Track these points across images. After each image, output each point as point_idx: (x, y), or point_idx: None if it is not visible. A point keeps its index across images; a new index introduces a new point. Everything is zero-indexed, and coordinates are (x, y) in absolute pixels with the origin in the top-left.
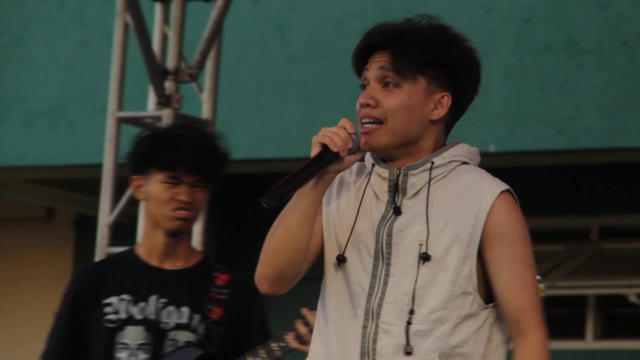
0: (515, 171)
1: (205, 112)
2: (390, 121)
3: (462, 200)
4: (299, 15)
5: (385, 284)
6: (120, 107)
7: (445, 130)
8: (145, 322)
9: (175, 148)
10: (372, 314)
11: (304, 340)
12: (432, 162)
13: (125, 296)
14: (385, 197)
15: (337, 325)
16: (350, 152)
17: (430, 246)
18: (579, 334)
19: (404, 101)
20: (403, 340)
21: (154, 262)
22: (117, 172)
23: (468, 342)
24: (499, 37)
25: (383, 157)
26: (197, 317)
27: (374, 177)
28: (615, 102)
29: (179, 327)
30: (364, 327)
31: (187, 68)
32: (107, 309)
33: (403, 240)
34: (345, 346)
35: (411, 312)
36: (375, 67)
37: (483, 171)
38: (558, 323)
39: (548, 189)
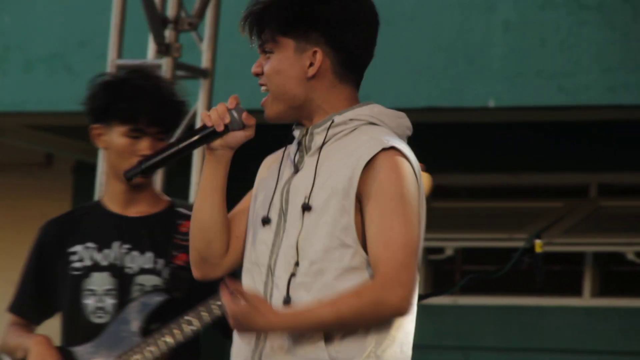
0: (514, 127)
1: (204, 61)
2: (270, 87)
3: (347, 157)
4: None
5: (282, 239)
6: (120, 55)
7: (340, 81)
8: (110, 268)
9: (137, 100)
10: (269, 270)
11: None
12: (332, 120)
13: (89, 244)
14: (296, 158)
15: (252, 282)
16: (233, 127)
17: (313, 198)
18: (576, 291)
19: (276, 65)
20: (285, 293)
21: (116, 210)
22: None
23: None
24: None
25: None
26: (161, 262)
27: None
28: (616, 59)
29: (143, 271)
30: (265, 284)
31: (187, 17)
32: (73, 257)
33: (296, 195)
34: None
35: (297, 264)
36: (256, 40)
37: (387, 133)
38: (555, 280)
39: (547, 145)
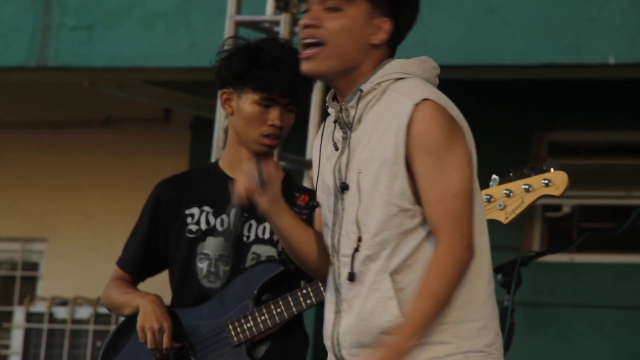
0: (634, 84)
1: None
2: (331, 43)
3: (385, 121)
4: None
5: (342, 218)
6: (238, 11)
7: (387, 56)
8: (223, 234)
9: (274, 69)
10: (335, 250)
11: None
12: (361, 91)
13: (206, 207)
14: (339, 135)
15: (325, 263)
16: (263, 186)
17: (365, 172)
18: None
19: (346, 24)
20: (350, 268)
21: (235, 175)
22: None
23: (415, 254)
24: None
25: (333, 91)
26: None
27: (329, 120)
28: None
29: (259, 241)
30: (332, 264)
31: None
32: (188, 219)
33: (349, 173)
34: (329, 286)
35: (359, 239)
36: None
37: (416, 84)
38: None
39: None
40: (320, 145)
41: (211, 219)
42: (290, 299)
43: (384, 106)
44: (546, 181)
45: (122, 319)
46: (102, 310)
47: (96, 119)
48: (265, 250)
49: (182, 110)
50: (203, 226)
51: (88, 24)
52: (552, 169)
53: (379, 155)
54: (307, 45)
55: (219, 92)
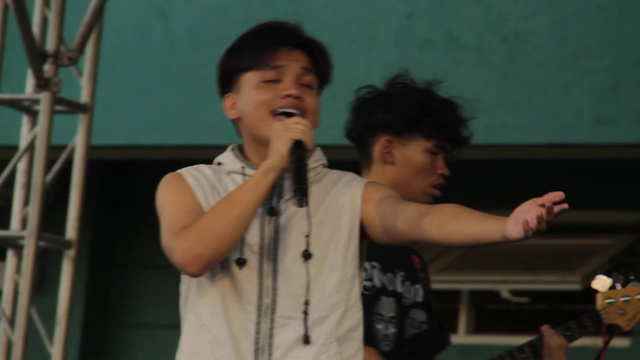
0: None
1: (84, 97)
2: (309, 118)
3: (334, 192)
4: (181, 1)
5: (275, 279)
6: None
7: None
8: (394, 294)
9: (445, 114)
10: (265, 310)
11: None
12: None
13: (375, 263)
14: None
15: (227, 321)
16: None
17: (315, 237)
18: (452, 328)
19: (318, 104)
20: (302, 331)
21: None
22: None
23: (359, 326)
24: (381, 30)
25: (254, 157)
26: (424, 296)
27: (239, 179)
28: (493, 98)
29: (415, 305)
30: (258, 324)
31: (67, 51)
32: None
33: (288, 236)
34: (236, 344)
35: (306, 302)
36: (296, 66)
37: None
38: None
39: None
40: (218, 198)
41: (381, 277)
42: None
43: (328, 181)
44: None
45: None
46: None
47: None
48: (419, 315)
49: None
50: (377, 283)
51: None
52: None
53: (332, 222)
54: (289, 115)
55: (381, 141)
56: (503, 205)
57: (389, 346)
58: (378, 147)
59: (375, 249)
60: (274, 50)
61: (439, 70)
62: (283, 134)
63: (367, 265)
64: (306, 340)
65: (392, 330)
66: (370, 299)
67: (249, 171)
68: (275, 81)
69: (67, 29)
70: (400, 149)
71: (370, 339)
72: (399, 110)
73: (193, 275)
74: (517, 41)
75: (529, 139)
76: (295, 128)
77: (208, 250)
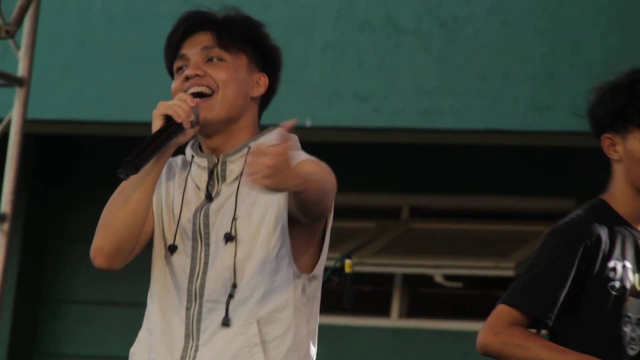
0: (330, 147)
1: (21, 70)
2: (221, 90)
3: None
4: None
5: (206, 264)
6: None
7: (259, 111)
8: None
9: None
10: (194, 295)
11: None
12: (249, 147)
13: (627, 263)
14: (204, 186)
15: (163, 309)
16: (192, 125)
17: (240, 227)
18: (385, 312)
19: (232, 73)
20: (224, 314)
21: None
22: None
23: (286, 308)
24: (320, 11)
25: (202, 144)
26: None
27: (194, 168)
28: (431, 82)
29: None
30: (187, 309)
31: (4, 24)
32: (611, 274)
33: (219, 220)
34: (170, 330)
35: (234, 285)
36: (197, 48)
37: (297, 153)
38: (364, 300)
39: (362, 166)
40: (172, 187)
41: (631, 276)
42: None
43: None
44: None
45: None
46: None
47: None
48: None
49: None
50: (626, 284)
51: None
52: None
53: (263, 204)
54: (196, 95)
55: (602, 139)
56: (438, 190)
57: (635, 350)
58: (603, 145)
59: (628, 246)
60: (182, 42)
61: (378, 54)
62: (154, 112)
63: (619, 265)
64: (226, 322)
65: (638, 332)
66: (618, 299)
67: (197, 159)
68: (183, 68)
69: (4, 1)
70: (622, 144)
71: (615, 342)
72: (604, 106)
73: (101, 268)
74: (456, 26)
75: (466, 124)
76: (166, 104)
77: (104, 242)
